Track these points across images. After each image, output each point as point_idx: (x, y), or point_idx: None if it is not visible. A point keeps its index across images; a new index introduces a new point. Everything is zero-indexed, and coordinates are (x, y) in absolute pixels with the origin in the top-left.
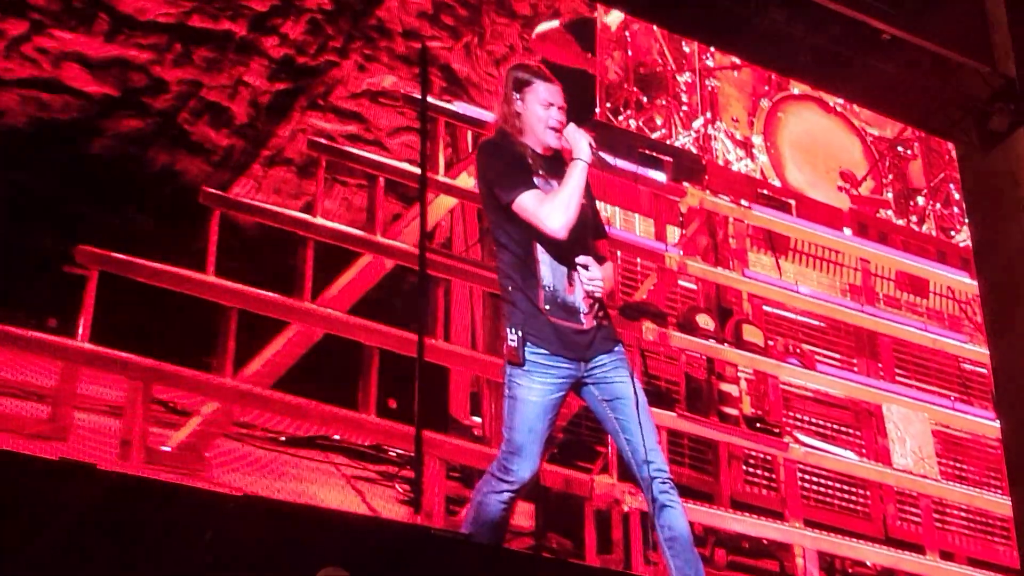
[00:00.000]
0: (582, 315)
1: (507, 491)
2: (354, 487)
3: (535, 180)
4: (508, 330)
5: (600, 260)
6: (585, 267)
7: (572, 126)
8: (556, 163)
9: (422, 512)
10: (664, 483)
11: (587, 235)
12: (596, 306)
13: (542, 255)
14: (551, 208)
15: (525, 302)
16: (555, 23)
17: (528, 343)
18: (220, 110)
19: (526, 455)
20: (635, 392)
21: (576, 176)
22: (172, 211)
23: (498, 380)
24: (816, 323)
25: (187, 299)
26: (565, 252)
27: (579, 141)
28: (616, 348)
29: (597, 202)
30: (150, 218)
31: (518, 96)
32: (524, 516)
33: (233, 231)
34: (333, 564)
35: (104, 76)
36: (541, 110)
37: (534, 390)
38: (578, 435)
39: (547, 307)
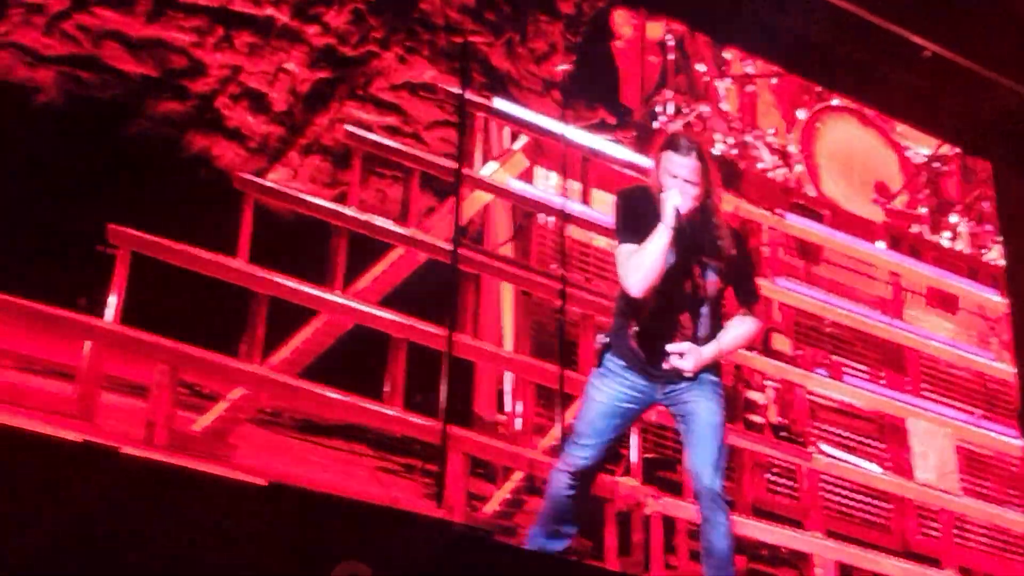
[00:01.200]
0: (662, 363)
1: (565, 474)
2: (378, 478)
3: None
4: (599, 334)
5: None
6: (680, 355)
7: (670, 192)
8: (696, 232)
9: (444, 506)
10: (714, 502)
11: (704, 300)
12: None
13: (647, 304)
14: (628, 267)
15: (621, 323)
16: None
17: (609, 351)
18: (259, 96)
19: (584, 444)
20: (700, 413)
21: (655, 239)
22: (206, 195)
23: (524, 378)
24: (845, 334)
25: (218, 284)
26: (667, 309)
27: (666, 205)
28: (702, 375)
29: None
30: (184, 201)
31: (657, 157)
32: None
33: (267, 218)
34: (353, 554)
35: (144, 56)
36: (668, 179)
37: (603, 392)
38: None
39: (634, 336)
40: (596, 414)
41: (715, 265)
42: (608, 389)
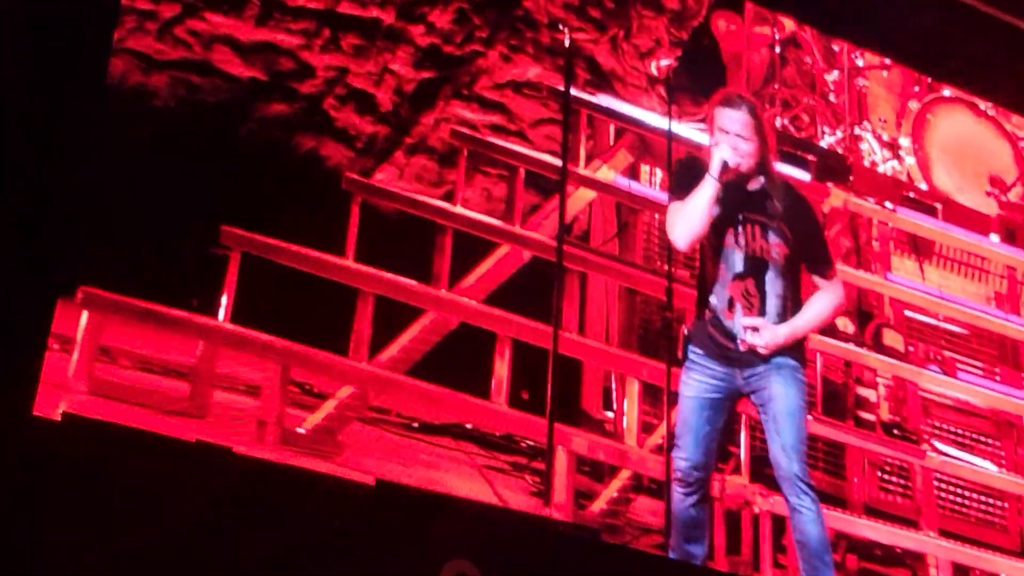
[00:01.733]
0: (738, 340)
1: (678, 483)
2: (485, 476)
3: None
4: (684, 329)
5: (785, 299)
6: (755, 329)
7: (719, 145)
8: (750, 190)
9: (551, 504)
10: (796, 487)
11: (767, 269)
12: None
13: (713, 275)
14: (672, 219)
15: (699, 311)
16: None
17: (690, 343)
18: (365, 97)
19: (684, 447)
20: (778, 399)
21: (699, 191)
22: (315, 196)
23: (631, 375)
24: (959, 330)
25: (326, 283)
26: (732, 279)
27: (713, 157)
28: (774, 359)
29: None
30: (293, 202)
31: (710, 115)
32: (653, 514)
33: (374, 217)
34: (460, 552)
35: (253, 60)
36: (720, 134)
37: (689, 385)
38: None
39: (710, 322)
40: (687, 410)
41: (776, 226)
42: (692, 382)
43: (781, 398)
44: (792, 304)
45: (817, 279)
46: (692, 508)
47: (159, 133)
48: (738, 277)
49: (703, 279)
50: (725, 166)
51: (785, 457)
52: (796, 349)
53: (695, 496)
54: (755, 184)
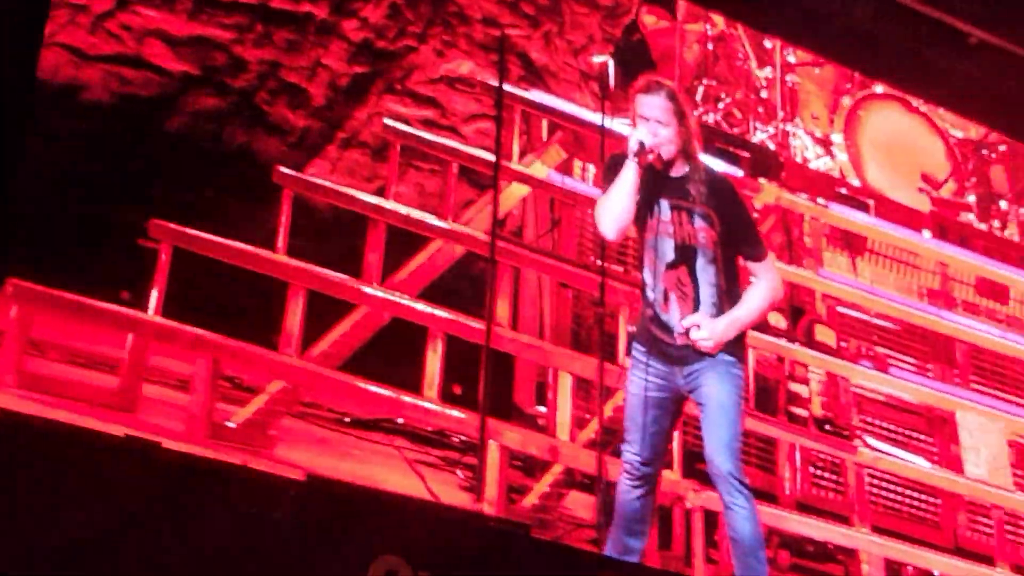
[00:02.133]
0: (676, 334)
1: (626, 475)
2: (416, 471)
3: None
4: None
5: (723, 287)
6: (697, 326)
7: (637, 129)
8: (673, 177)
9: (483, 499)
10: (729, 485)
11: (696, 256)
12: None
13: (647, 268)
14: (599, 211)
15: (642, 309)
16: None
17: (634, 341)
18: (298, 91)
19: (633, 442)
20: (714, 395)
21: (621, 176)
22: (246, 190)
23: (564, 370)
24: (891, 326)
25: (257, 277)
26: (664, 270)
27: (631, 139)
28: (718, 355)
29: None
30: (224, 195)
31: (632, 103)
32: (586, 509)
33: (305, 212)
34: (391, 549)
35: (185, 54)
36: (640, 120)
37: (635, 383)
38: None
39: (649, 316)
40: (634, 408)
41: (701, 211)
42: (636, 379)
43: (716, 395)
44: (727, 291)
45: (750, 264)
46: (637, 501)
47: (91, 126)
48: (670, 266)
49: (643, 276)
50: (642, 147)
51: (719, 455)
52: (735, 344)
53: (641, 490)
54: (678, 170)
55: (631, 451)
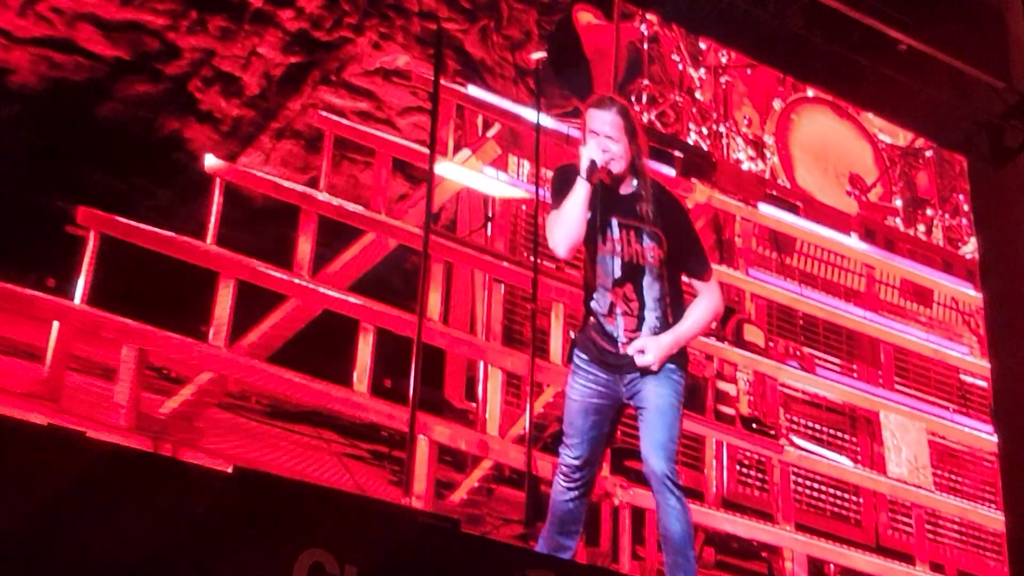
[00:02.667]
0: (620, 344)
1: (559, 476)
2: (344, 464)
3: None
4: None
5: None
6: (641, 351)
7: (588, 145)
8: (622, 195)
9: (411, 494)
10: (663, 485)
11: (644, 274)
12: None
13: (593, 281)
14: (550, 227)
15: (584, 317)
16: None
17: (575, 347)
18: (232, 80)
19: (573, 445)
20: (652, 399)
21: (572, 194)
22: (177, 178)
23: (494, 366)
24: (818, 327)
25: (186, 267)
26: (611, 286)
27: (582, 157)
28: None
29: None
30: (155, 184)
31: (583, 118)
32: (514, 504)
33: (237, 202)
34: (318, 542)
35: (118, 39)
36: (591, 136)
37: (574, 389)
38: None
39: (592, 325)
40: (573, 412)
41: (649, 230)
42: (578, 386)
43: (654, 397)
44: (672, 306)
45: (694, 281)
46: (571, 503)
47: (19, 111)
48: (616, 283)
49: (587, 284)
50: (593, 165)
51: (654, 455)
52: (679, 354)
53: (576, 492)
54: (627, 187)
55: (569, 455)
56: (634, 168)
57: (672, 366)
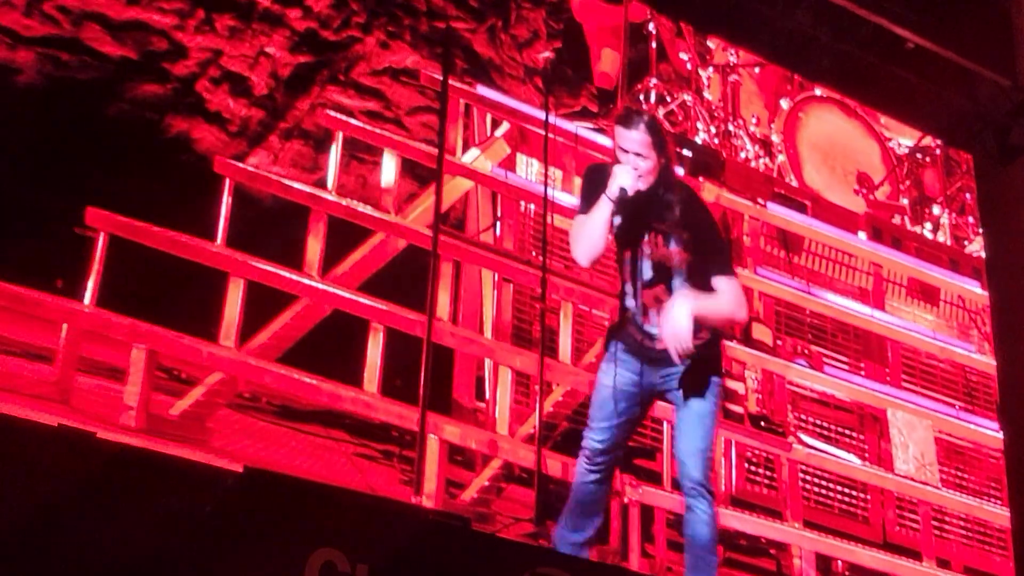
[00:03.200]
0: (656, 340)
1: (582, 459)
2: (355, 464)
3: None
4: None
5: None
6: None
7: (621, 165)
8: (651, 201)
9: (422, 493)
10: (693, 490)
11: (672, 275)
12: None
13: (627, 284)
14: (574, 236)
15: (621, 309)
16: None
17: (612, 338)
18: (240, 80)
19: (598, 430)
20: (690, 404)
21: (596, 211)
22: (186, 179)
23: (504, 365)
24: (826, 325)
25: (196, 268)
26: (642, 288)
27: (612, 179)
28: (691, 362)
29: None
30: (163, 184)
31: (612, 132)
32: (524, 504)
33: (246, 202)
34: (329, 541)
35: (124, 39)
36: (620, 153)
37: (608, 374)
38: (582, 424)
39: (630, 321)
40: (603, 398)
41: (676, 235)
42: (611, 371)
43: (694, 403)
44: None
45: (718, 281)
46: (592, 486)
47: (25, 110)
48: (647, 285)
49: (622, 282)
50: (623, 193)
51: (690, 461)
52: (714, 355)
53: (598, 475)
54: (656, 193)
55: (594, 438)
56: (663, 176)
57: (711, 369)
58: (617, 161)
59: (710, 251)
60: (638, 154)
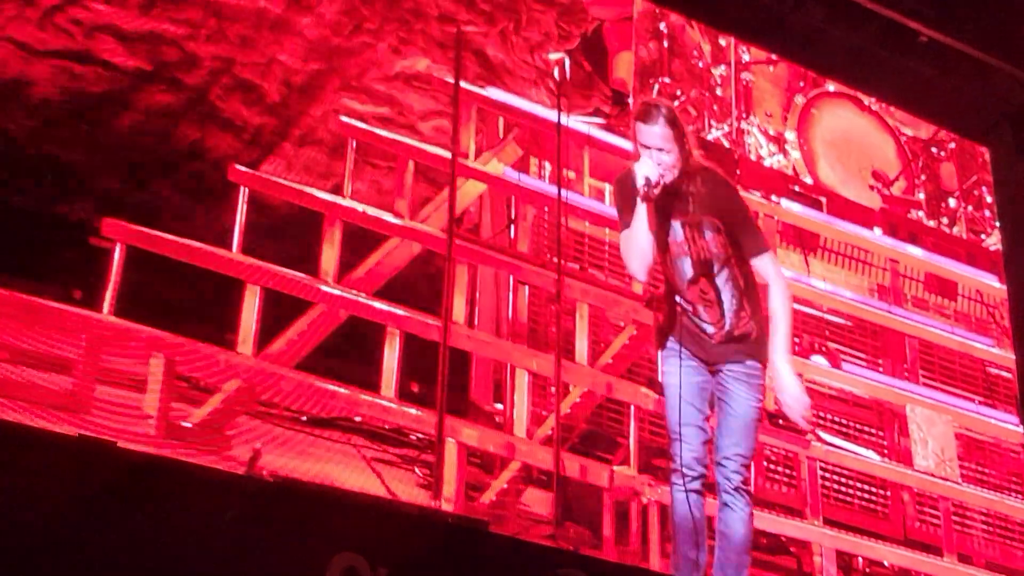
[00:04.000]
0: (711, 333)
1: (680, 477)
2: (374, 469)
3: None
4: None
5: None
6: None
7: (640, 161)
8: (677, 196)
9: (441, 497)
10: (732, 487)
11: (713, 265)
12: (731, 331)
13: (670, 282)
14: (625, 252)
15: (670, 304)
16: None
17: (669, 335)
18: (252, 87)
19: (687, 437)
20: (739, 405)
21: (635, 218)
22: (200, 187)
23: (521, 368)
24: (843, 322)
25: (212, 276)
26: (687, 285)
27: (636, 176)
28: (748, 362)
29: None
30: (178, 193)
31: (632, 128)
32: (542, 505)
33: (261, 210)
34: (350, 546)
35: (137, 49)
36: (641, 149)
37: (672, 374)
38: (600, 426)
39: (682, 316)
40: (676, 398)
41: (708, 222)
42: (675, 369)
43: (742, 406)
44: (745, 289)
45: (754, 261)
46: (695, 508)
47: (41, 123)
48: (692, 282)
49: (668, 281)
50: (648, 183)
51: (731, 464)
52: (760, 346)
53: (697, 491)
54: (681, 187)
55: (688, 450)
56: (686, 168)
57: (758, 364)
58: (638, 158)
59: (740, 230)
60: (660, 148)
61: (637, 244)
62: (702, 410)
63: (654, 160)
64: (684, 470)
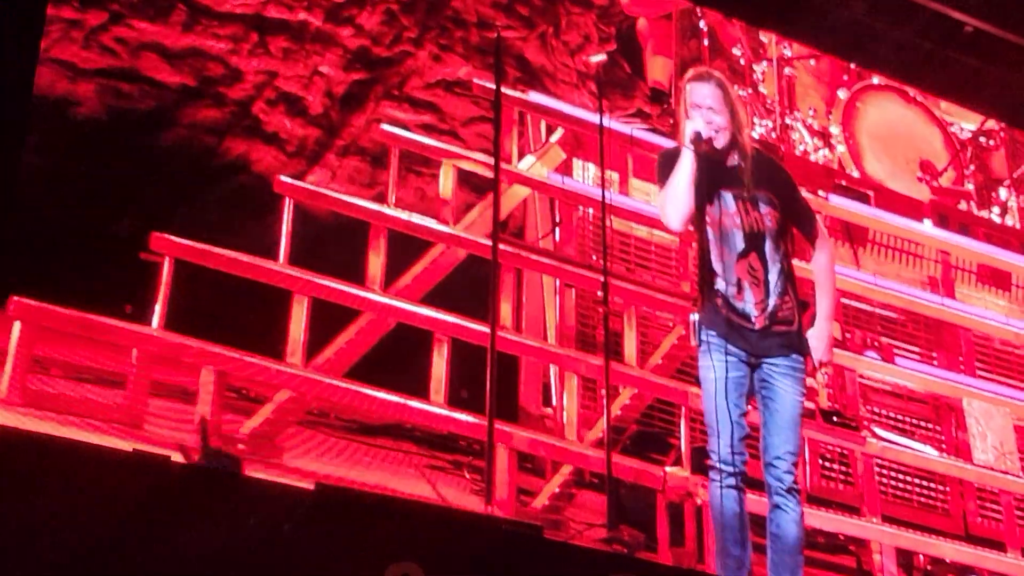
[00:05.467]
0: (753, 318)
1: (720, 479)
2: (425, 476)
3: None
4: (691, 314)
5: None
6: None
7: (692, 118)
8: (728, 169)
9: (493, 502)
10: (783, 488)
11: (765, 240)
12: (774, 314)
13: (716, 261)
14: (660, 203)
15: (706, 294)
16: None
17: (703, 327)
18: (295, 100)
19: (725, 433)
20: (786, 401)
21: (679, 166)
22: (246, 200)
23: (569, 371)
24: (895, 316)
25: (260, 287)
26: (736, 260)
27: (685, 129)
28: (793, 356)
29: None
30: (225, 207)
31: (683, 93)
32: (596, 510)
33: (307, 220)
34: (404, 554)
35: (181, 66)
36: (692, 109)
37: (710, 368)
38: (651, 427)
39: (721, 304)
40: (715, 392)
41: (764, 195)
42: (713, 363)
43: (788, 403)
44: (787, 267)
45: (807, 236)
46: (738, 505)
47: (88, 141)
48: (741, 256)
49: (704, 266)
50: (698, 136)
51: (781, 463)
52: (801, 339)
53: (733, 487)
54: (732, 160)
55: (726, 446)
56: (735, 140)
57: (800, 357)
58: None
59: (794, 206)
60: (710, 108)
61: (676, 192)
62: (739, 405)
63: (704, 119)
64: (721, 466)
